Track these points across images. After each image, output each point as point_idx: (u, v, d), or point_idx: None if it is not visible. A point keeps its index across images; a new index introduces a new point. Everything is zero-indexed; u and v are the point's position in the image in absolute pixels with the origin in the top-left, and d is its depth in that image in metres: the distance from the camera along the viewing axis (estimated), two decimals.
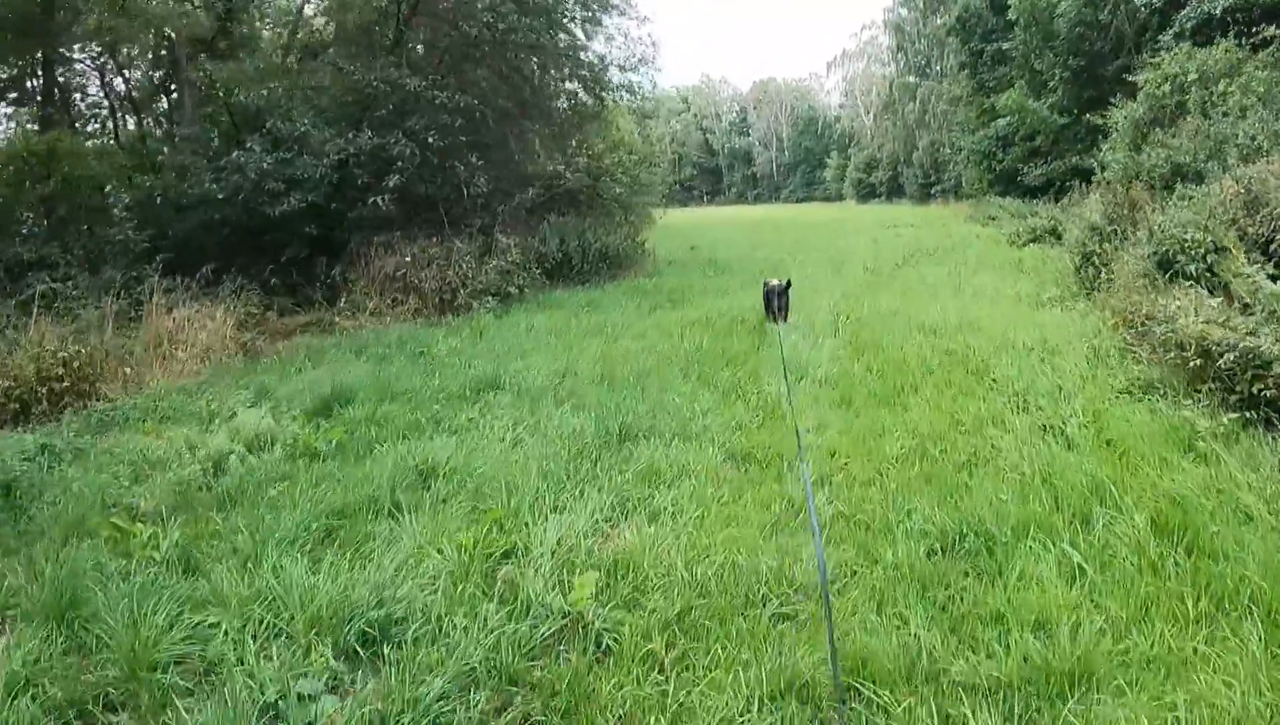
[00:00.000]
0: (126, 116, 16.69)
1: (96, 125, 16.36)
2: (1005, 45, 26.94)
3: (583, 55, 16.01)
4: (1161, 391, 5.49)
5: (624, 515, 3.82)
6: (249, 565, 3.65)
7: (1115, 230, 9.02)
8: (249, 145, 11.70)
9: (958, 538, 3.50)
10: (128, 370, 8.54)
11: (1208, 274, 6.54)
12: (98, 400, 7.79)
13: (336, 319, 11.27)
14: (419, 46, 15.17)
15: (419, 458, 4.56)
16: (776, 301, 8.59)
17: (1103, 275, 8.51)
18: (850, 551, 3.46)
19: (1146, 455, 4.41)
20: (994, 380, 5.89)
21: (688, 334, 8.49)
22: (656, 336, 8.50)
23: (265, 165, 11.47)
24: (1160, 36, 17.93)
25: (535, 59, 15.14)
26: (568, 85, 16.50)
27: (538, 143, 14.42)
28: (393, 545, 3.59)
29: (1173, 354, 5.46)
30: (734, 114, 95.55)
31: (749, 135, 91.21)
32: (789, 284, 8.82)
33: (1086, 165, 21.29)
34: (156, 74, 16.54)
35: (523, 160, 13.48)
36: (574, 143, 13.34)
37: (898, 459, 4.50)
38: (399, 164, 11.90)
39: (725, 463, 4.65)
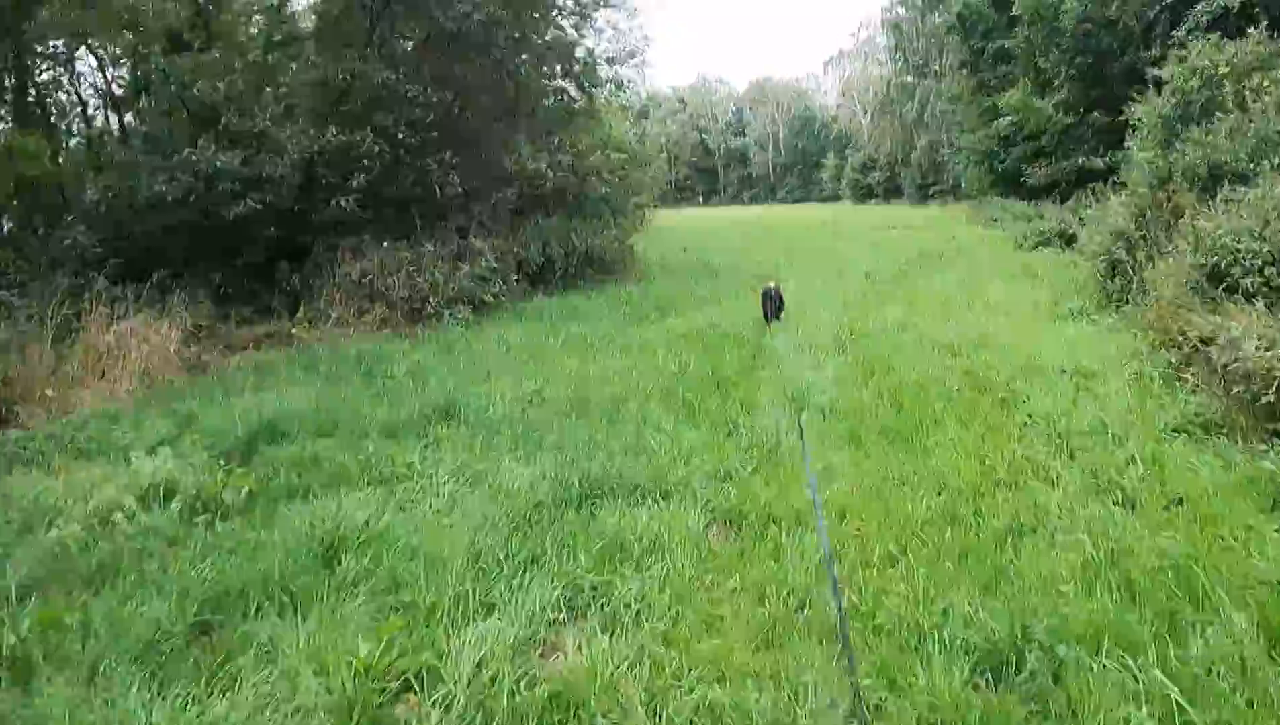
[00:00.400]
0: (110, 114, 15.83)
1: (81, 123, 15.51)
2: (1008, 43, 26.11)
3: (572, 50, 15.17)
4: (1224, 430, 4.65)
5: (573, 615, 2.96)
6: (87, 682, 2.80)
7: (1145, 236, 8.19)
8: (201, 143, 10.81)
9: (1012, 653, 2.64)
10: (50, 392, 7.66)
11: (1265, 288, 5.71)
12: (16, 427, 6.93)
13: (294, 330, 10.39)
14: (404, 41, 14.28)
15: (331, 523, 3.69)
16: (773, 304, 8.98)
17: (1134, 286, 7.68)
18: (870, 674, 2.61)
19: (1227, 519, 3.57)
20: (1029, 416, 5.03)
21: (674, 350, 7.64)
22: (639, 354, 7.65)
23: (219, 164, 10.59)
24: (1174, 32, 17.14)
25: (523, 54, 14.30)
26: (556, 81, 15.64)
27: (522, 140, 13.52)
28: (268, 661, 2.73)
29: (1240, 387, 4.62)
30: (730, 114, 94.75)
31: (745, 135, 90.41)
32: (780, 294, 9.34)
33: (1094, 166, 20.49)
34: (141, 70, 15.67)
35: (502, 159, 12.60)
36: (557, 140, 12.45)
37: (924, 524, 3.64)
38: (364, 162, 11.03)
39: (710, 527, 3.79)
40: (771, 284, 9.34)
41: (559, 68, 14.62)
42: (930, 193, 48.13)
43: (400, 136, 11.34)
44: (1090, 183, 21.42)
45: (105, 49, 14.57)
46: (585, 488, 4.06)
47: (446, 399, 6.13)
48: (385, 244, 11.42)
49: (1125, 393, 5.47)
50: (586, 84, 15.24)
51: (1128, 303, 7.93)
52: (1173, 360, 5.86)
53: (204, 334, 10.23)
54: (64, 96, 15.03)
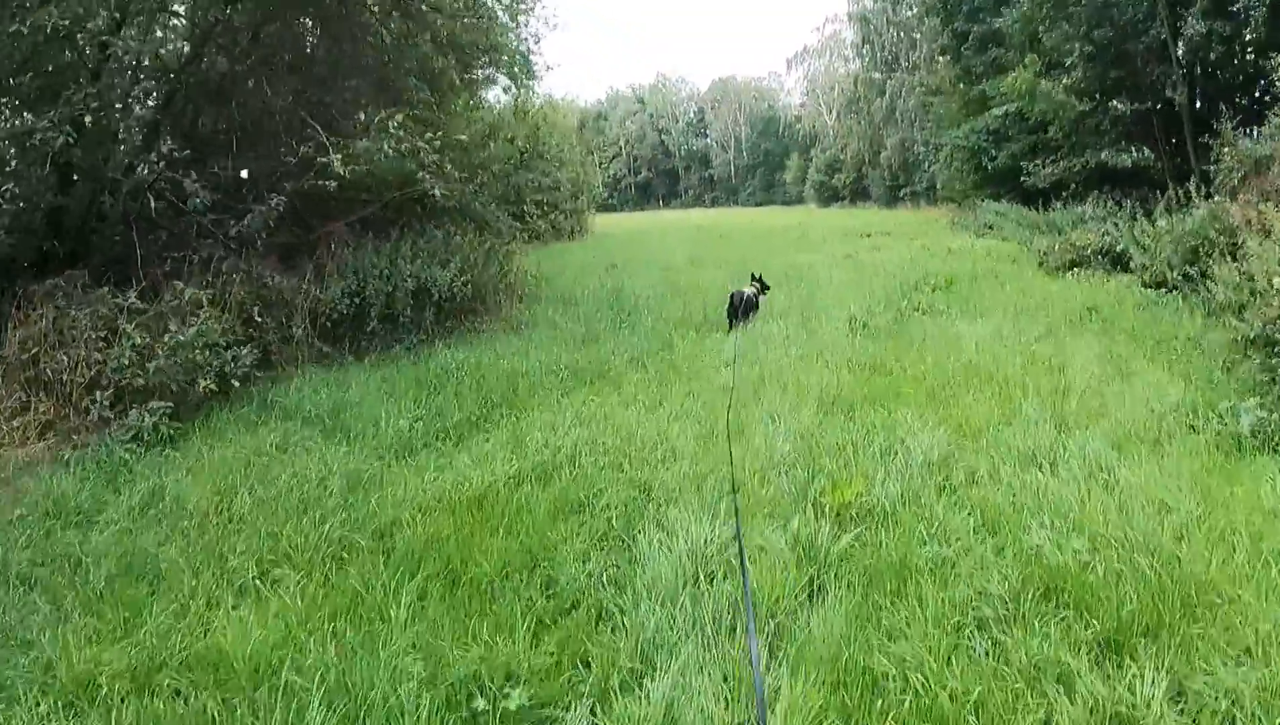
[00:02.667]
0: None
1: None
2: (998, 22, 22.14)
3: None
4: None
5: None
6: None
7: None
8: None
9: None
10: None
11: None
12: None
13: None
14: None
15: None
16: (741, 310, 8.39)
17: None
18: None
19: None
20: None
21: (422, 573, 3.28)
22: (331, 597, 3.24)
23: None
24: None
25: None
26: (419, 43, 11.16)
27: (341, 125, 8.99)
28: None
29: None
30: (691, 114, 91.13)
31: (706, 136, 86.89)
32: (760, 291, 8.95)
33: (1118, 163, 16.60)
34: None
35: (283, 153, 8.06)
36: (375, 119, 7.91)
37: None
38: (12, 166, 6.54)
39: None
40: (748, 290, 8.70)
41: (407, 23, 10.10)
42: (900, 195, 44.62)
43: (87, 122, 6.81)
44: (1109, 183, 17.72)
45: None
46: None
47: None
48: (64, 295, 6.85)
49: None
50: (456, 46, 10.79)
51: None
52: None
53: None
54: None
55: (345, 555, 3.72)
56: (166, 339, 6.25)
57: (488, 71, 13.65)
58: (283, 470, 4.77)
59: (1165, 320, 7.34)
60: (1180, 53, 15.63)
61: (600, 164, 32.88)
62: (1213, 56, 15.17)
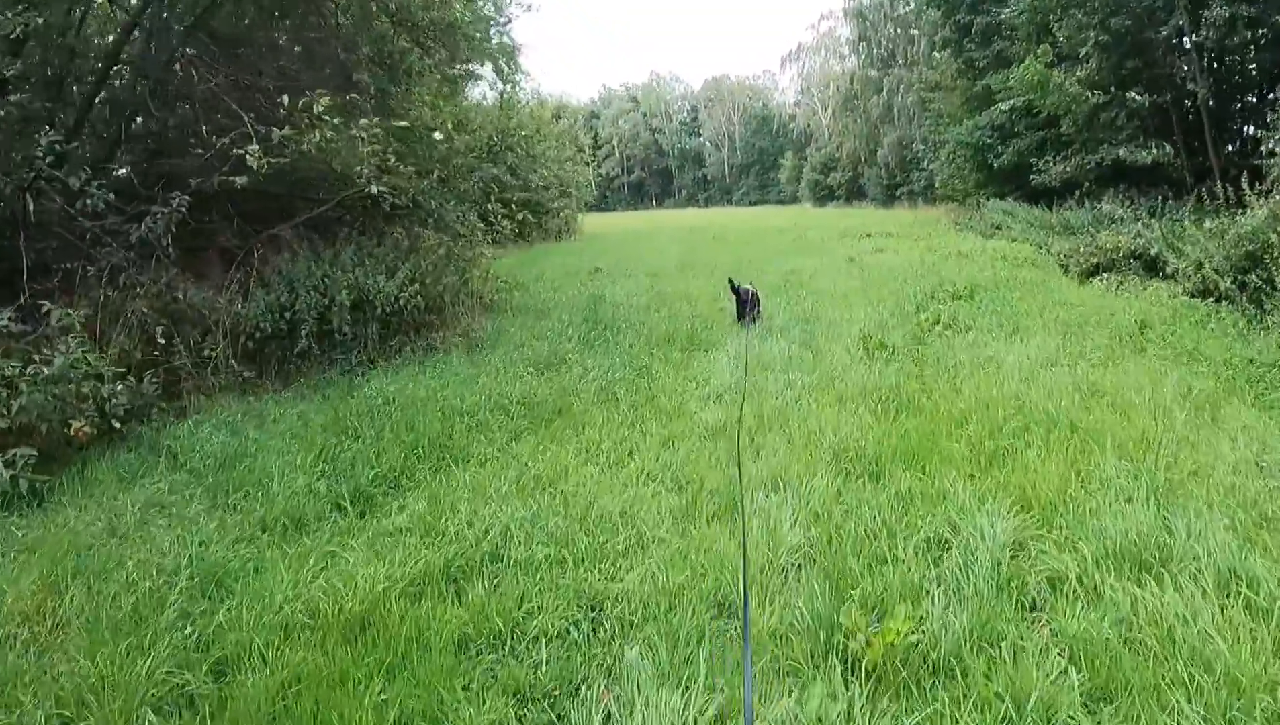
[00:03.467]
0: None
1: None
2: (1002, 14, 21.02)
3: None
4: None
5: None
6: None
7: None
8: None
9: None
10: None
11: None
12: None
13: None
14: None
15: None
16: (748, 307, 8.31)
17: None
18: None
19: None
20: None
21: None
22: None
23: None
24: None
25: None
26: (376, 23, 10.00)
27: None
28: None
29: None
30: (685, 113, 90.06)
31: (700, 135, 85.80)
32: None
33: (1137, 160, 15.50)
34: None
35: (189, 144, 6.91)
36: (300, 103, 6.71)
37: None
38: None
39: None
40: (748, 286, 8.60)
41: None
42: (897, 194, 43.55)
43: None
44: (1125, 181, 16.62)
45: None
46: None
47: None
48: None
49: None
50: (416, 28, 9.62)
51: None
52: None
53: None
54: None
55: (167, 707, 2.59)
56: (30, 371, 5.07)
57: (469, 65, 12.53)
58: (132, 553, 3.62)
59: (1233, 339, 6.23)
60: (1200, 40, 14.56)
61: (590, 162, 31.66)
62: (1235, 41, 14.07)
